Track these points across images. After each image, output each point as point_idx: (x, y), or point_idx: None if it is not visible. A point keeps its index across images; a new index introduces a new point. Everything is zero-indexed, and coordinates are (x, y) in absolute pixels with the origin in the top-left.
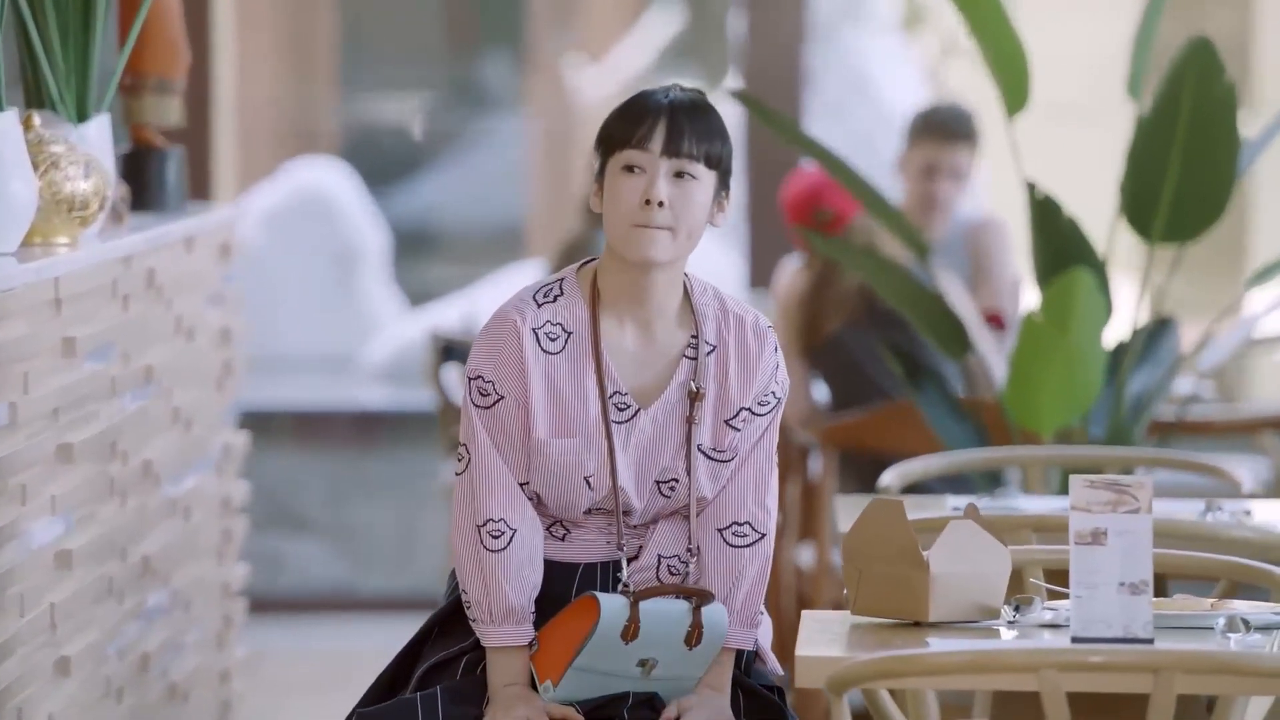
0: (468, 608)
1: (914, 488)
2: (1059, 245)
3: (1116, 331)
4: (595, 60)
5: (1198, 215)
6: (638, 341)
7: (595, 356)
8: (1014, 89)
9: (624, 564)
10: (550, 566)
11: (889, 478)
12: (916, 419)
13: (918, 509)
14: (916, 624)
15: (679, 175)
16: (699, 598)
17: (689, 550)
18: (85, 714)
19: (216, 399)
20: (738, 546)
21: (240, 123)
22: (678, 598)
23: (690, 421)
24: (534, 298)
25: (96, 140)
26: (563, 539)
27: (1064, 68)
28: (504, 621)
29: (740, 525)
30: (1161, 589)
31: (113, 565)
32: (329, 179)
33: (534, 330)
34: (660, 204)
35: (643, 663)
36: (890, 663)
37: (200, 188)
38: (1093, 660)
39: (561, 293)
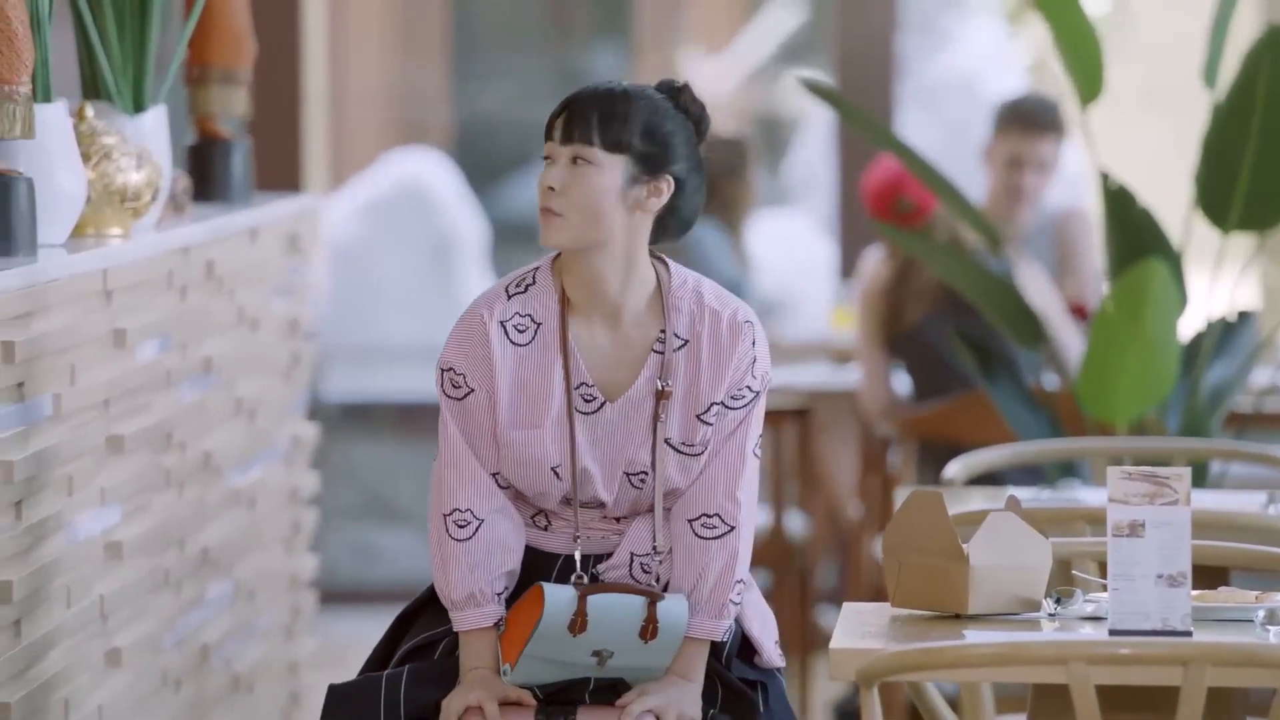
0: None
1: (990, 479)
2: (1132, 236)
3: (1195, 322)
4: (712, 52)
5: (1274, 205)
6: (607, 334)
7: (563, 348)
8: (1087, 78)
9: (577, 559)
10: (533, 555)
11: (953, 469)
12: (995, 410)
13: (985, 501)
14: (956, 616)
15: (574, 161)
16: (650, 596)
17: (653, 549)
18: (140, 704)
19: (284, 390)
20: (706, 538)
21: (350, 114)
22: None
23: (657, 416)
24: (506, 289)
25: (153, 131)
26: (545, 529)
27: (1178, 53)
28: (464, 607)
29: (709, 517)
30: (1223, 581)
31: (170, 556)
32: (429, 170)
33: (501, 323)
34: (550, 188)
35: (597, 654)
36: (917, 655)
37: (290, 179)
38: (1121, 652)
39: (534, 282)
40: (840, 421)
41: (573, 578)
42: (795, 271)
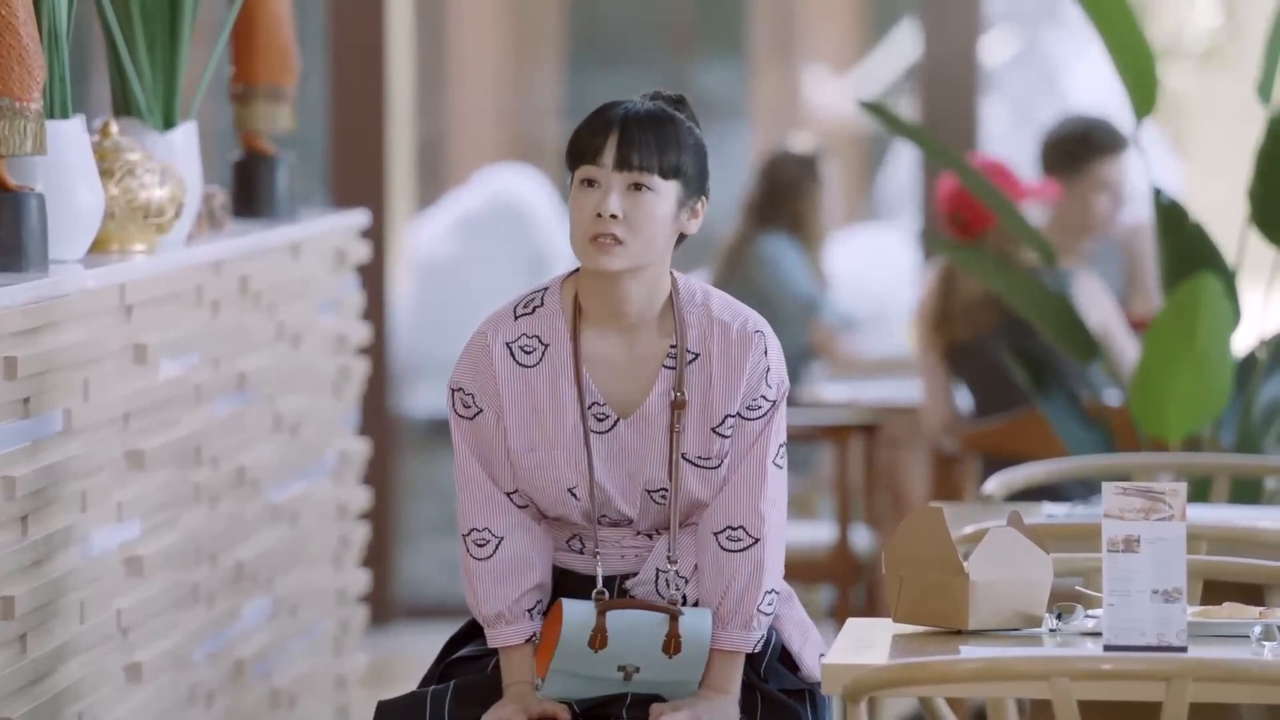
0: None
1: (1043, 494)
2: (1185, 251)
3: (1250, 338)
4: (836, 71)
5: None
6: (619, 351)
7: (575, 368)
8: (1141, 91)
9: (599, 577)
10: (570, 577)
11: (992, 485)
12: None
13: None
14: (958, 632)
15: (634, 187)
16: (670, 613)
17: (669, 559)
18: (164, 717)
19: (331, 405)
20: (731, 551)
21: (461, 130)
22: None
23: (674, 431)
24: (514, 310)
25: (183, 147)
26: (580, 552)
27: None
28: (495, 624)
29: (734, 529)
30: (1260, 600)
31: (200, 571)
32: (524, 186)
33: (506, 344)
34: (613, 216)
35: (622, 669)
36: (901, 670)
37: (373, 195)
38: (1103, 668)
39: (542, 304)
40: (915, 436)
41: (593, 593)
42: (889, 286)
